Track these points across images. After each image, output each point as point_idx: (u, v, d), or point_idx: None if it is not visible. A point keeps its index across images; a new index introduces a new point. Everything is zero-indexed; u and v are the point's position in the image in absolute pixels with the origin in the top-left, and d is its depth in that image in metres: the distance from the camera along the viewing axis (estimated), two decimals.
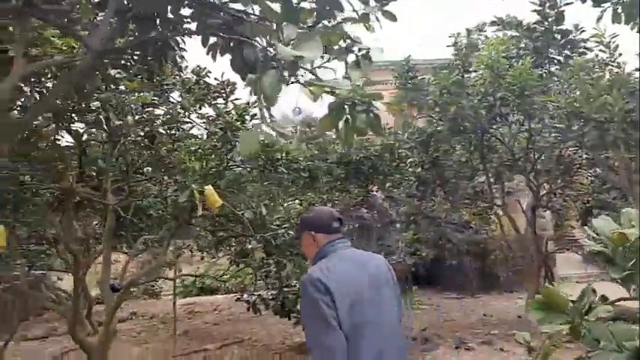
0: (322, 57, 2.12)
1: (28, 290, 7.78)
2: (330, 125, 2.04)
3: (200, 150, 6.00)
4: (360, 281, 2.43)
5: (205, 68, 7.38)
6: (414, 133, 9.31)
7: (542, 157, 9.26)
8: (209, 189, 5.61)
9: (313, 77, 1.93)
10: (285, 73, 1.75)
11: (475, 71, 8.26)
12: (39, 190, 6.69)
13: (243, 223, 6.32)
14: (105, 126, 5.61)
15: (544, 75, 8.08)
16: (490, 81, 7.68)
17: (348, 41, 2.39)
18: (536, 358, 2.55)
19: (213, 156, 5.93)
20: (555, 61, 8.54)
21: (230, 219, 6.23)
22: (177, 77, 7.01)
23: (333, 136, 13.85)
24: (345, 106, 1.98)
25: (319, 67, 2.02)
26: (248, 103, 6.55)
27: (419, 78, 8.86)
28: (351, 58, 2.41)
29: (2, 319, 11.39)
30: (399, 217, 11.46)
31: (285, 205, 7.68)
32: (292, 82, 1.92)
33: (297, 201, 11.49)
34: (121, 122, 5.47)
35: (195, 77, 7.35)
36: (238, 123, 6.09)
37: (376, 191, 13.40)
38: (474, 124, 8.37)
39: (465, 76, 8.36)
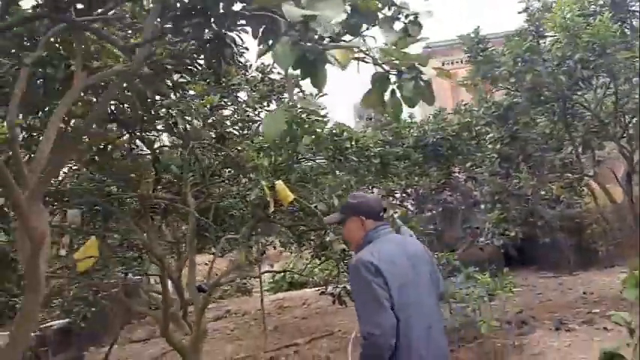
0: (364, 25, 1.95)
1: (124, 296, 8.11)
2: (375, 99, 1.87)
3: (268, 146, 5.97)
4: (404, 264, 2.58)
5: (270, 65, 7.37)
6: (490, 107, 8.84)
7: (634, 120, 8.53)
8: (279, 184, 5.57)
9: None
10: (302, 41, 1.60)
11: (549, 35, 7.70)
12: (124, 199, 6.93)
13: (317, 215, 6.26)
14: (175, 131, 5.70)
15: (626, 30, 7.42)
16: (567, 42, 7.13)
17: (394, 8, 2.20)
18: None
19: (281, 151, 5.89)
20: (637, 13, 7.82)
21: (307, 213, 6.16)
22: (243, 77, 7.04)
23: (408, 120, 13.57)
24: (390, 77, 1.81)
25: (359, 35, 1.85)
26: (311, 94, 6.47)
27: (490, 49, 8.38)
28: (398, 26, 2.22)
29: (106, 325, 12.05)
30: (484, 197, 10.99)
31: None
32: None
33: (374, 189, 11.34)
34: (189, 127, 5.53)
35: (260, 75, 7.37)
36: (304, 115, 6.02)
37: (458, 173, 12.96)
38: (555, 92, 7.82)
39: (540, 42, 7.82)
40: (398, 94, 1.81)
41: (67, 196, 6.94)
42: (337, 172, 6.75)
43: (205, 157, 6.95)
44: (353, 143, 6.54)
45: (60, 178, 6.92)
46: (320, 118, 6.07)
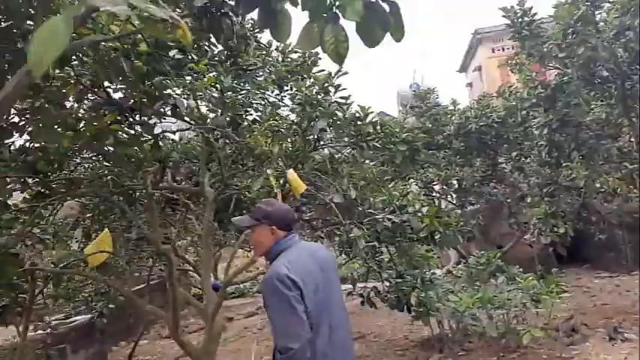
0: None
1: (131, 294, 7.75)
2: (311, 35, 1.22)
3: (281, 131, 5.34)
4: (315, 269, 2.67)
5: (290, 44, 6.75)
6: (535, 87, 7.91)
7: None
8: (290, 173, 4.95)
9: None
10: None
11: (606, 2, 6.71)
12: (131, 190, 6.50)
13: (345, 209, 5.63)
14: (178, 115, 5.15)
15: None
16: (626, 10, 6.17)
17: None
18: None
19: (296, 137, 5.26)
20: None
21: (322, 205, 5.53)
22: (261, 57, 6.45)
23: (450, 107, 12.72)
24: None
25: None
26: (330, 74, 5.80)
27: (537, 22, 7.44)
28: None
29: (136, 320, 11.78)
30: (531, 189, 10.06)
31: (394, 185, 6.83)
32: None
33: (411, 180, 10.57)
34: (190, 110, 4.97)
35: (281, 55, 6.76)
36: (320, 96, 5.38)
37: (504, 163, 12.03)
38: (611, 70, 6.87)
39: (595, 11, 6.83)
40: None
41: (80, 186, 6.56)
42: (359, 161, 6.06)
43: (218, 144, 6.44)
44: (378, 127, 5.83)
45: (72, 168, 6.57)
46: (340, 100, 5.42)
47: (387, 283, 6.79)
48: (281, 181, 5.21)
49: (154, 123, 5.46)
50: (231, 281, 7.60)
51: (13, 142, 5.71)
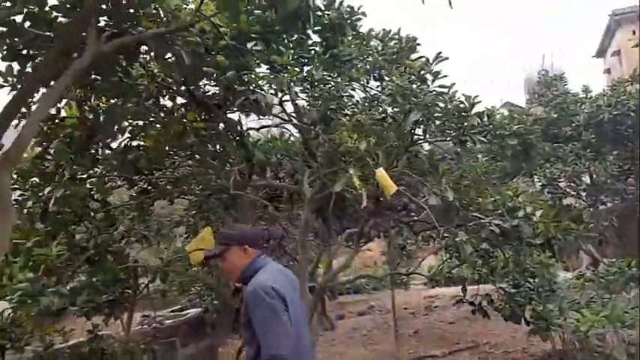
0: None
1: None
2: None
3: (370, 125, 4.87)
4: (289, 287, 2.74)
5: (390, 31, 6.24)
6: None
7: None
8: (380, 172, 4.47)
9: None
10: None
11: None
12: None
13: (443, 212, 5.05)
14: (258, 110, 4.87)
15: None
16: None
17: None
18: None
19: (389, 132, 4.76)
20: None
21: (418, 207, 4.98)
22: (358, 47, 6.01)
23: (581, 95, 11.41)
24: None
25: None
26: (428, 60, 5.22)
27: None
28: None
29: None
30: None
31: (506, 184, 6.10)
32: None
33: (534, 178, 9.57)
34: (270, 105, 4.67)
35: (380, 44, 6.28)
36: (415, 86, 4.83)
37: None
38: None
39: None
40: None
41: (183, 184, 6.57)
42: (462, 157, 5.42)
43: (314, 141, 6.11)
44: (484, 120, 5.15)
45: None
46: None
47: (501, 292, 6.09)
48: (371, 181, 4.77)
49: (239, 120, 5.25)
50: (329, 283, 7.27)
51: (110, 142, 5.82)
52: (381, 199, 4.81)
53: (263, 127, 5.64)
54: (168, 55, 4.21)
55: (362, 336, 10.67)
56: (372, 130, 4.92)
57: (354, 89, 5.60)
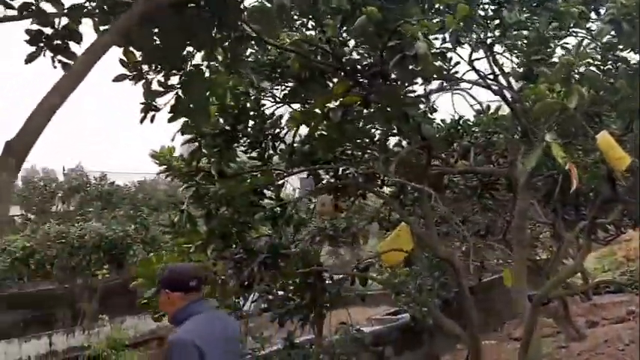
0: None
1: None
2: None
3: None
4: (220, 337, 2.67)
5: None
6: None
7: None
8: (604, 138, 3.01)
9: None
10: None
11: None
12: None
13: None
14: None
15: None
16: None
17: None
18: None
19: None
20: None
21: None
22: None
23: None
24: None
25: None
26: None
27: None
28: None
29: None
30: None
31: None
32: None
33: None
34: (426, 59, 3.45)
35: None
36: None
37: None
38: None
39: None
40: None
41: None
42: None
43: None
44: None
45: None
46: None
47: None
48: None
49: (406, 88, 4.13)
50: (552, 292, 5.73)
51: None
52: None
53: (435, 91, 4.38)
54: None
55: (617, 351, 8.53)
56: (591, 80, 3.38)
57: (566, 30, 4.06)
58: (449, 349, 9.61)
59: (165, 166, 4.98)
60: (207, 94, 3.02)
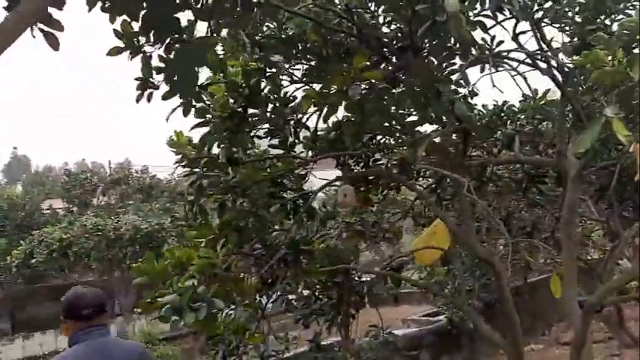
0: None
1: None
2: None
3: None
4: None
5: None
6: None
7: None
8: None
9: None
10: None
11: None
12: None
13: None
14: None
15: None
16: None
17: None
18: None
19: None
20: None
21: None
22: None
23: None
24: None
25: None
26: None
27: None
28: None
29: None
30: None
31: None
32: None
33: None
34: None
35: None
36: None
37: None
38: None
39: None
40: None
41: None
42: None
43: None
44: None
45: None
46: None
47: None
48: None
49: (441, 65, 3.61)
50: (604, 299, 5.12)
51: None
52: None
53: (471, 65, 3.83)
54: None
55: None
56: None
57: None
58: (491, 354, 9.01)
59: (181, 155, 4.61)
60: (198, 62, 2.59)
